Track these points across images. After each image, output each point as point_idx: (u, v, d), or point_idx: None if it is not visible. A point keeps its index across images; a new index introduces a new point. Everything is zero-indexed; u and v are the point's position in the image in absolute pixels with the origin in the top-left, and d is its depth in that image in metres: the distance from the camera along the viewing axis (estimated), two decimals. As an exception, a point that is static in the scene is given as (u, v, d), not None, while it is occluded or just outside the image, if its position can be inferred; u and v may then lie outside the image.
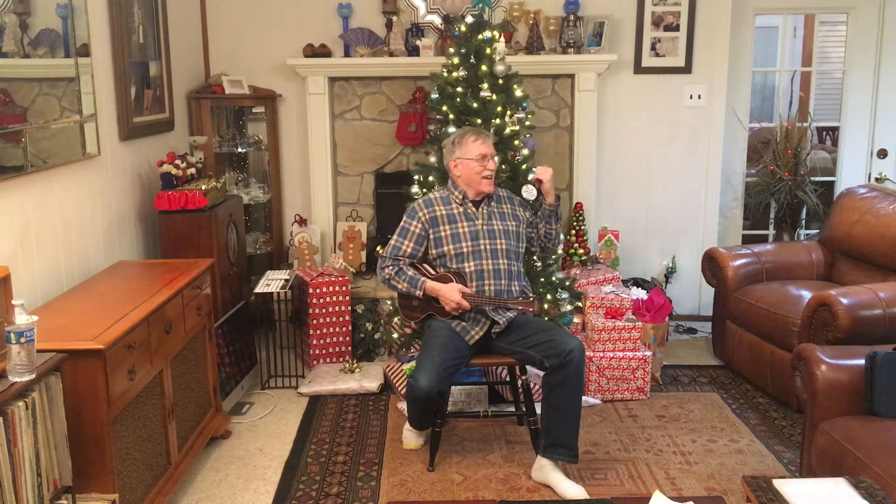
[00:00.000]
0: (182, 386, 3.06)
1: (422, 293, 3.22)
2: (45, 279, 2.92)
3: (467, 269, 3.23)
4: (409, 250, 3.30)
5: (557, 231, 3.41)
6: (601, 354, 3.85)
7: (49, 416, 2.15)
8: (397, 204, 4.13)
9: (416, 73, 4.58)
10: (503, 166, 3.77)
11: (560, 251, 4.16)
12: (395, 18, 4.64)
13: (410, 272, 3.27)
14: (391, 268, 3.30)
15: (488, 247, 3.25)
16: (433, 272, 3.29)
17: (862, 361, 2.72)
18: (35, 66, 2.96)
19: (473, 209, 3.30)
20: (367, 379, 4.03)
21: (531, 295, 3.28)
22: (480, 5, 3.98)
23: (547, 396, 3.09)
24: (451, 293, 3.16)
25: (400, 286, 3.27)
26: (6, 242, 2.69)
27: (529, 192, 3.82)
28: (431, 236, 3.29)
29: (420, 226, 3.30)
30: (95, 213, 3.39)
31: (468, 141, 3.26)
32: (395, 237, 3.34)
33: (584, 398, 3.83)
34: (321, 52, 4.63)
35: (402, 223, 3.35)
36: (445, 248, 3.27)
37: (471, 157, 3.24)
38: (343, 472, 3.23)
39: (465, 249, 3.25)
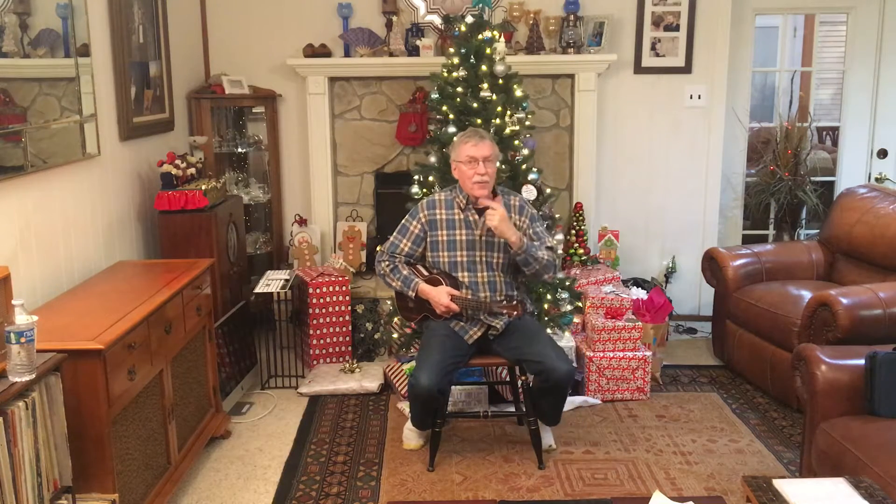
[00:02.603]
0: (182, 386, 3.06)
1: (414, 294, 3.23)
2: (45, 279, 2.92)
3: (460, 279, 3.23)
4: (406, 249, 3.30)
5: (543, 262, 3.15)
6: (601, 354, 3.85)
7: (49, 416, 2.15)
8: (397, 204, 4.13)
9: (416, 73, 4.58)
10: (503, 166, 3.77)
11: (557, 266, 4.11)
12: (395, 18, 4.64)
13: (405, 272, 3.26)
14: (387, 264, 3.30)
15: (484, 258, 3.23)
16: (426, 273, 3.30)
17: (862, 361, 2.72)
18: (35, 66, 2.96)
19: (475, 217, 3.24)
20: (367, 379, 4.03)
21: (515, 300, 3.22)
22: (480, 5, 3.98)
23: (533, 392, 3.22)
24: (440, 297, 3.16)
25: (394, 284, 3.28)
26: (6, 242, 2.69)
27: (529, 192, 3.83)
28: (429, 239, 3.29)
29: (419, 226, 3.29)
30: (95, 213, 3.39)
31: (461, 143, 3.19)
32: (395, 234, 3.34)
33: (584, 398, 3.84)
34: (321, 52, 4.63)
35: (403, 221, 3.35)
36: (440, 254, 3.27)
37: (461, 159, 3.17)
38: (343, 472, 3.23)
39: (459, 259, 3.24)
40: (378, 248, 3.55)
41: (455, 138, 3.32)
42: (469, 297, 3.20)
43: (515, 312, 3.09)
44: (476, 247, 3.24)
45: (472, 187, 3.17)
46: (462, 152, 3.17)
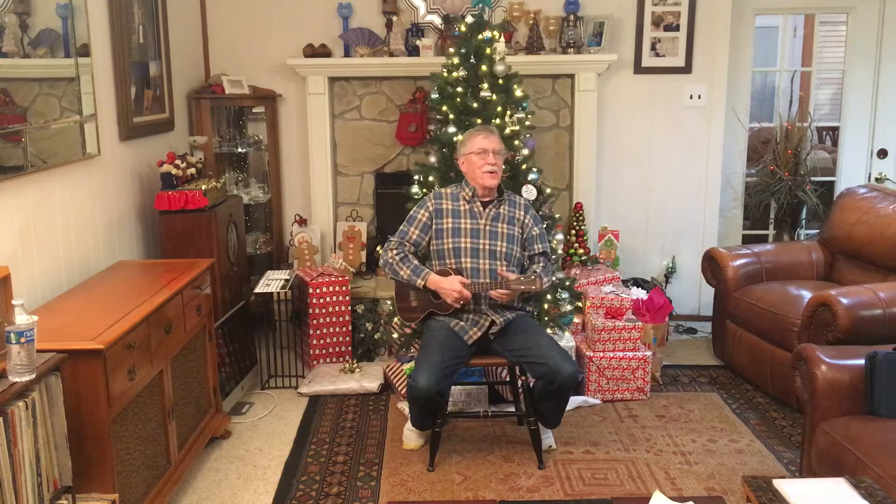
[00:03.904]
0: (182, 386, 3.06)
1: (423, 283, 3.23)
2: (45, 279, 2.92)
3: (463, 266, 3.26)
4: (414, 237, 3.34)
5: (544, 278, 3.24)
6: (601, 354, 3.85)
7: (49, 416, 2.15)
8: (397, 204, 4.13)
9: (416, 73, 4.58)
10: (503, 166, 3.77)
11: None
12: (395, 18, 4.64)
13: (416, 262, 3.29)
14: (396, 252, 3.31)
15: (487, 247, 3.27)
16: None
17: (862, 361, 2.72)
18: (35, 66, 2.96)
19: (480, 208, 3.32)
20: (367, 379, 4.03)
21: (533, 275, 3.19)
22: (480, 5, 3.98)
23: (534, 395, 3.22)
24: (452, 284, 3.18)
25: (402, 272, 3.27)
26: (6, 242, 2.69)
27: (529, 192, 3.84)
28: (434, 227, 3.32)
29: (427, 214, 3.34)
30: (95, 213, 3.39)
31: (472, 136, 3.31)
32: (403, 224, 3.39)
33: (584, 398, 3.84)
34: (321, 52, 4.63)
35: (411, 212, 3.40)
36: (444, 241, 3.29)
37: (472, 150, 3.27)
38: (343, 472, 3.23)
39: (462, 245, 3.28)
40: (378, 249, 3.54)
41: (463, 135, 3.39)
42: (481, 281, 3.22)
43: (534, 287, 3.09)
44: (479, 235, 3.28)
45: (482, 176, 3.26)
46: (473, 144, 3.27)
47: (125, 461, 2.53)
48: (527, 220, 3.35)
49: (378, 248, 4.62)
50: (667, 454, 3.35)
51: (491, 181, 3.27)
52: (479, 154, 3.25)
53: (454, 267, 3.27)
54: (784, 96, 5.18)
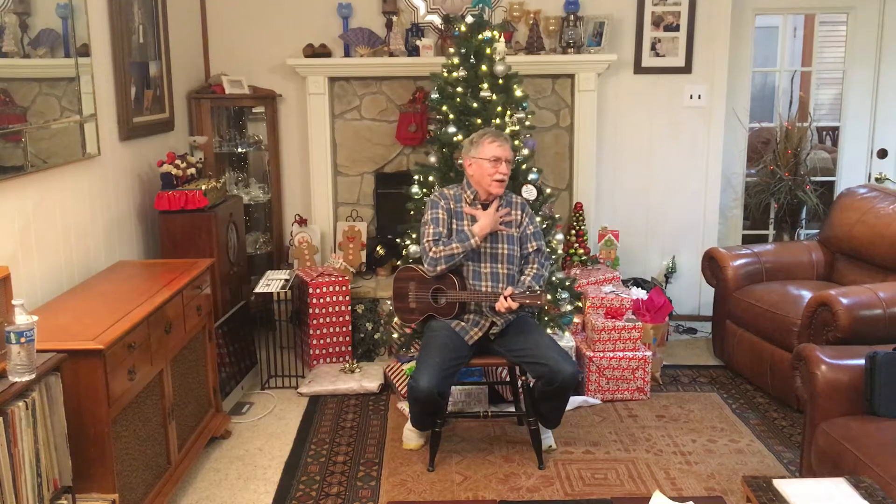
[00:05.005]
0: (182, 386, 3.06)
1: (475, 240, 3.20)
2: (45, 279, 2.92)
3: (464, 269, 3.26)
4: (445, 232, 3.29)
5: (543, 278, 3.35)
6: (601, 354, 3.85)
7: (49, 416, 2.15)
8: (397, 204, 4.14)
9: (416, 73, 4.58)
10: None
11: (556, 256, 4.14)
12: (395, 18, 4.64)
13: (455, 238, 3.25)
14: (437, 245, 3.24)
15: (488, 250, 3.26)
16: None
17: (862, 361, 2.72)
18: (35, 66, 2.96)
19: (481, 211, 3.31)
20: (367, 379, 4.03)
21: (538, 289, 3.23)
22: (480, 5, 3.98)
23: (534, 395, 3.22)
24: (488, 215, 3.21)
25: (454, 251, 3.20)
26: (6, 242, 2.69)
27: (529, 192, 3.84)
28: None
29: (444, 213, 3.31)
30: (95, 213, 3.39)
31: (485, 142, 3.27)
32: (428, 229, 3.29)
33: (584, 398, 3.84)
34: (321, 52, 4.63)
35: (428, 216, 3.33)
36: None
37: (485, 157, 3.24)
38: (343, 472, 3.23)
39: None
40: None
41: (475, 135, 3.36)
42: (488, 291, 3.23)
43: (539, 302, 3.10)
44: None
45: (490, 184, 3.25)
46: (488, 150, 3.25)
47: (125, 461, 2.53)
48: (523, 219, 3.36)
49: (378, 248, 4.62)
50: (667, 454, 3.35)
51: (498, 189, 3.27)
52: (493, 162, 3.23)
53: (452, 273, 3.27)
54: (784, 96, 5.18)
